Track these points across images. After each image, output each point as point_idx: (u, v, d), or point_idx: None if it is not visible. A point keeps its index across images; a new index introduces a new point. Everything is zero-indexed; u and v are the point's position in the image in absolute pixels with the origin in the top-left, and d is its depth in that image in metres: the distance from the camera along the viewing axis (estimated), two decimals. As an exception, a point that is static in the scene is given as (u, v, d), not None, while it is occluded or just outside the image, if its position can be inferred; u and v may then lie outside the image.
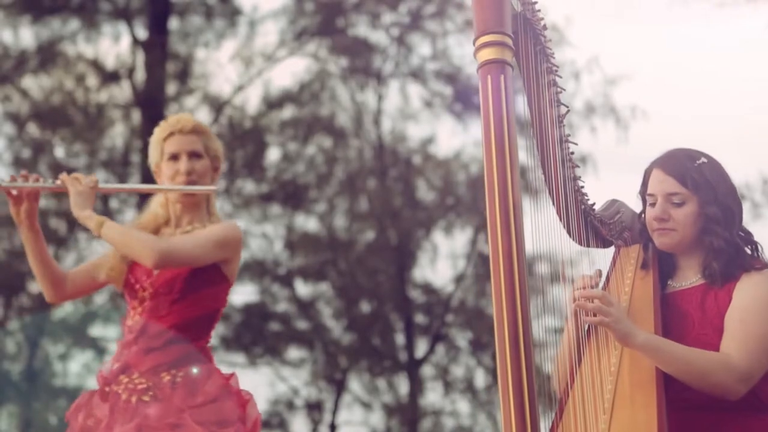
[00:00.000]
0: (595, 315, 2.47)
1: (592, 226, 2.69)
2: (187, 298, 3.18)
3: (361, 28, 16.53)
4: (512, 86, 2.13)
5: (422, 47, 17.01)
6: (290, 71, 20.38)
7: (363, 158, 17.38)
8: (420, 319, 17.39)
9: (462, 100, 17.16)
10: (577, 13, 17.78)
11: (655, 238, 2.68)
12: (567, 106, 2.45)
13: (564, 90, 2.45)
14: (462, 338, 17.46)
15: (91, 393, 3.23)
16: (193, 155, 3.29)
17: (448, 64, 17.04)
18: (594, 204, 2.68)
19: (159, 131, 3.35)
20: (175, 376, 3.08)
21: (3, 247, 15.53)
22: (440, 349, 17.24)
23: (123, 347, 3.22)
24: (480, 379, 17.19)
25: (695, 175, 2.60)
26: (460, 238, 17.37)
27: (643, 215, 2.73)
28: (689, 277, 2.67)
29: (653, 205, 2.66)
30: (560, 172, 2.44)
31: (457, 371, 17.22)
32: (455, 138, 20.57)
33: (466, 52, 17.73)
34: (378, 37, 16.79)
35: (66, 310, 16.46)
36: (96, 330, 16.36)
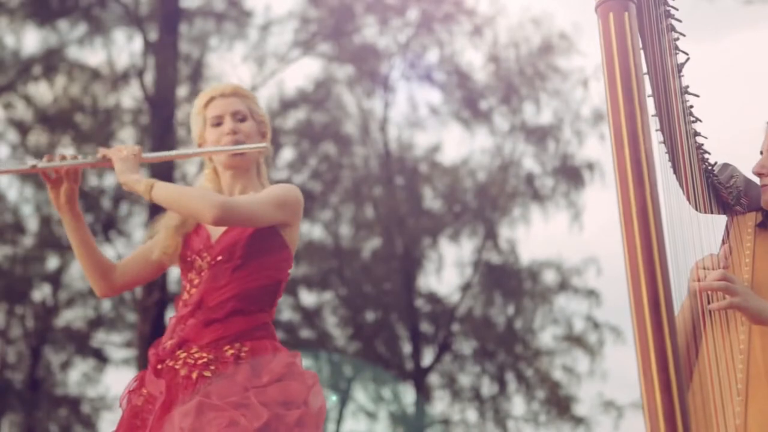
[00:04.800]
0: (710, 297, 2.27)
1: (713, 189, 2.48)
2: (249, 265, 2.95)
3: (368, 34, 16.45)
4: (636, 25, 1.95)
5: (430, 54, 16.94)
6: (296, 77, 20.31)
7: (369, 166, 17.27)
8: (426, 327, 17.27)
9: (469, 107, 17.07)
10: (586, 20, 17.62)
11: (763, 194, 2.49)
12: (687, 54, 2.25)
13: (684, 35, 2.25)
14: (468, 347, 17.35)
15: (141, 374, 3.03)
16: (237, 116, 3.08)
17: (456, 70, 16.96)
18: (716, 164, 2.48)
19: (198, 100, 3.16)
20: (240, 351, 2.85)
21: (5, 254, 15.37)
22: (446, 357, 17.12)
23: (178, 322, 3.00)
24: (486, 387, 17.09)
25: None
26: (467, 246, 17.27)
27: None
28: None
29: None
30: (682, 127, 2.25)
31: (464, 380, 17.10)
32: (462, 145, 20.48)
33: (473, 58, 17.69)
34: (385, 44, 16.72)
35: (67, 317, 16.32)
36: (100, 336, 16.20)
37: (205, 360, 2.86)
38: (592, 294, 17.21)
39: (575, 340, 17.14)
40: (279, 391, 2.77)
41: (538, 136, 17.05)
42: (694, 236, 2.25)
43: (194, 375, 2.84)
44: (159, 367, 2.92)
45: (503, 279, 17.17)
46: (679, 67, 2.27)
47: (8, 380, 15.96)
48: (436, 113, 17.17)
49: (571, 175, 17.01)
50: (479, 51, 16.86)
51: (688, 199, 2.34)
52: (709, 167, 2.42)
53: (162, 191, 2.88)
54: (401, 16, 16.50)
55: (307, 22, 15.71)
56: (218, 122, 3.08)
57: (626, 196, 1.88)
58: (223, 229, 3.01)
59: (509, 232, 17.21)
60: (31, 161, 2.98)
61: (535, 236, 17.91)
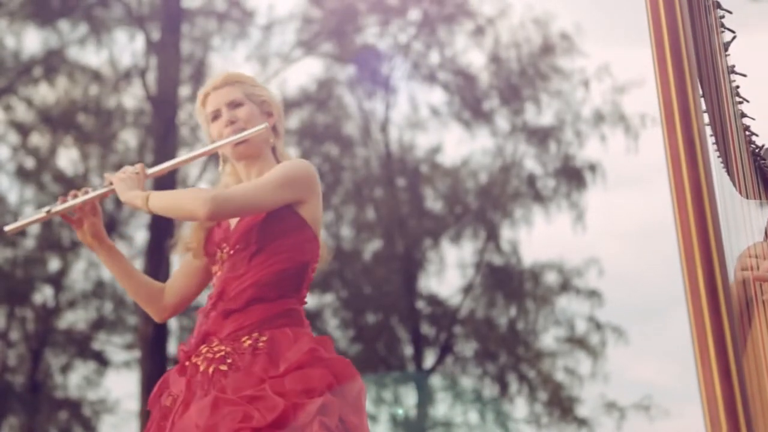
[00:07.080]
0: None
1: (761, 173, 2.40)
2: (266, 250, 2.85)
3: (370, 35, 16.41)
4: (686, 1, 1.89)
5: (431, 55, 16.90)
6: (298, 77, 20.26)
7: (370, 167, 17.22)
8: (427, 329, 17.22)
9: (470, 108, 17.03)
10: (587, 20, 17.59)
11: None
12: (733, 32, 2.18)
13: (731, 12, 2.18)
14: (470, 349, 17.31)
15: (165, 375, 2.97)
16: (233, 105, 2.99)
17: (457, 71, 16.92)
18: (764, 146, 2.40)
19: (198, 100, 3.09)
20: (257, 341, 2.76)
21: (6, 256, 15.30)
22: (448, 359, 17.07)
23: (203, 316, 2.95)
24: (488, 389, 17.05)
25: None
26: (468, 248, 17.22)
27: None
28: None
29: None
30: (729, 108, 2.19)
31: (466, 382, 17.05)
32: (463, 146, 20.42)
33: (474, 59, 17.64)
34: (386, 45, 16.68)
35: (68, 320, 16.25)
36: (102, 339, 16.13)
37: (222, 353, 2.79)
38: (593, 295, 17.17)
39: (577, 341, 17.09)
40: (297, 379, 2.68)
41: (540, 137, 17.00)
42: (746, 221, 2.19)
43: (211, 369, 2.77)
44: (186, 364, 2.87)
45: (505, 280, 17.12)
46: (725, 46, 2.20)
47: (8, 383, 15.87)
48: (437, 114, 17.14)
49: (573, 176, 16.97)
50: (480, 52, 16.83)
51: (737, 183, 2.27)
52: (757, 149, 2.35)
53: (157, 200, 2.83)
54: (403, 17, 16.47)
55: (309, 23, 15.69)
56: (216, 116, 3.01)
57: (679, 179, 1.82)
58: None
59: (511, 234, 17.16)
60: (45, 208, 2.94)
61: (537, 237, 17.83)
